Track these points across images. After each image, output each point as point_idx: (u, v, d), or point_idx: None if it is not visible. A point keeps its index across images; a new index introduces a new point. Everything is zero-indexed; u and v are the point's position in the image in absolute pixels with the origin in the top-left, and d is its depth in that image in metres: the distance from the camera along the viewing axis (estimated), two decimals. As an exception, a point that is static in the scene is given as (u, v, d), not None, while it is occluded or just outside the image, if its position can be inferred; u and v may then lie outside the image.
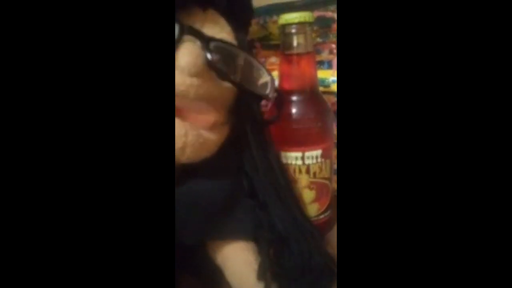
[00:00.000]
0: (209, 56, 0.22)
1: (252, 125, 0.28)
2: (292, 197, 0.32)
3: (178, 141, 0.23)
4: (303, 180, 0.38)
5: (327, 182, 0.39)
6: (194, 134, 0.23)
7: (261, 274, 0.26)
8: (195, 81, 0.22)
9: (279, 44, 0.53)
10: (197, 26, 0.23)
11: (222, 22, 0.25)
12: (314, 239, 0.30)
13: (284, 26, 0.36)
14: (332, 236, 0.41)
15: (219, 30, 0.24)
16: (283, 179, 0.31)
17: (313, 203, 0.39)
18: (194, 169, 0.26)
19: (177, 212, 0.25)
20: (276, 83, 0.55)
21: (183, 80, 0.22)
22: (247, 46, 0.28)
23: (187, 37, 0.21)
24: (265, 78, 0.26)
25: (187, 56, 0.21)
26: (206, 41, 0.22)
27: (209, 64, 0.22)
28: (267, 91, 0.26)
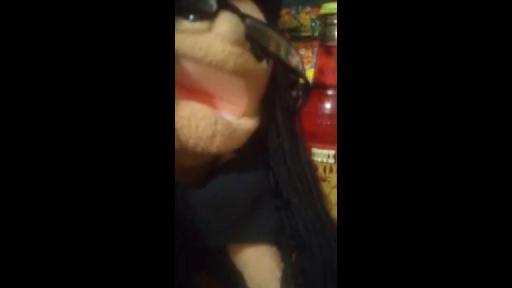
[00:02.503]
0: (248, 25, 0.21)
1: (283, 112, 0.27)
2: (318, 194, 0.30)
3: (208, 129, 0.22)
4: (333, 180, 0.36)
5: (357, 183, 0.37)
6: (224, 123, 0.22)
7: (284, 282, 0.25)
8: (235, 49, 0.21)
9: (310, 36, 0.52)
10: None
11: (255, 8, 0.24)
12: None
13: (326, 16, 0.34)
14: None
15: (251, 11, 0.24)
16: (310, 175, 0.29)
17: (341, 204, 0.38)
18: (221, 167, 0.25)
19: (201, 214, 0.24)
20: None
21: (223, 47, 0.21)
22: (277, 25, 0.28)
23: (223, 11, 0.21)
24: (295, 56, 0.26)
25: (227, 23, 0.20)
26: (242, 16, 0.21)
27: (248, 35, 0.21)
28: (299, 67, 0.26)
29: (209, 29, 0.21)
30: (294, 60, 0.26)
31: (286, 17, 0.52)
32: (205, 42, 0.21)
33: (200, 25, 0.21)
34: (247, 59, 0.22)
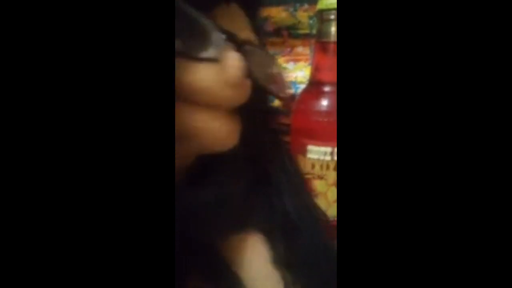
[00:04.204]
0: (247, 67, 0.20)
1: (261, 115, 0.27)
2: (303, 184, 0.31)
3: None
4: (330, 178, 0.36)
5: (354, 181, 0.37)
6: (212, 117, 0.22)
7: (276, 264, 0.26)
8: (230, 92, 0.20)
9: (307, 34, 0.51)
10: (227, 25, 0.21)
11: (241, 14, 0.23)
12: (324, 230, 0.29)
13: (322, 12, 0.34)
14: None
15: (239, 25, 0.23)
16: (292, 167, 0.30)
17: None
18: (214, 165, 0.24)
19: (198, 211, 0.23)
20: (302, 75, 0.53)
21: (224, 92, 0.20)
22: (263, 31, 0.27)
23: (227, 45, 0.20)
24: (278, 71, 0.25)
25: (235, 68, 0.19)
26: (241, 46, 0.20)
27: (248, 75, 0.20)
28: (281, 85, 0.25)
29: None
30: (273, 72, 0.25)
31: (284, 14, 0.52)
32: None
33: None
34: (240, 95, 0.21)
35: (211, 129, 0.22)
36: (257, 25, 0.25)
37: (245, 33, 0.23)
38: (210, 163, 0.24)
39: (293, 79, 0.52)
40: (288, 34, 0.52)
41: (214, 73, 0.20)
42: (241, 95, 0.21)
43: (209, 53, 0.20)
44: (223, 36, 0.20)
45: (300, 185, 0.29)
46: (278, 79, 0.25)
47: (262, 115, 0.27)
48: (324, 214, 0.31)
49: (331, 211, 0.38)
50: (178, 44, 0.18)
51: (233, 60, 0.20)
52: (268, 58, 0.24)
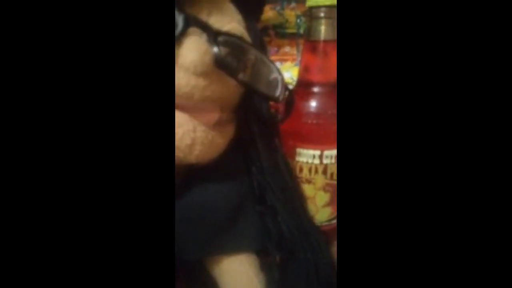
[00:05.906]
0: (217, 52, 0.19)
1: (258, 124, 0.26)
2: (301, 201, 0.29)
3: (187, 137, 0.20)
4: (318, 181, 0.35)
5: (343, 185, 0.36)
6: (202, 130, 0.21)
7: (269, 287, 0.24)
8: (201, 81, 0.19)
9: (295, 33, 0.50)
10: (204, 15, 0.20)
11: (232, 9, 0.23)
12: (321, 249, 0.28)
13: (312, 9, 0.32)
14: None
15: (228, 19, 0.22)
16: (291, 182, 0.29)
17: (326, 207, 0.36)
18: (199, 174, 0.23)
19: (179, 225, 0.22)
20: (289, 76, 0.52)
21: (187, 80, 0.19)
22: (259, 35, 0.26)
23: (192, 30, 0.19)
24: (275, 76, 0.24)
25: (193, 53, 0.18)
26: (213, 35, 0.19)
27: (217, 62, 0.19)
28: (278, 90, 0.23)
29: None
30: (272, 76, 0.24)
31: (271, 12, 0.51)
32: None
33: None
34: (216, 87, 0.20)
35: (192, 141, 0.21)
36: (252, 21, 0.24)
37: (233, 25, 0.21)
38: (195, 174, 0.23)
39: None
40: (275, 34, 0.51)
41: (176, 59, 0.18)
42: (213, 86, 0.20)
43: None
44: (182, 20, 0.18)
45: (297, 203, 0.27)
46: (268, 77, 0.24)
47: (258, 122, 0.26)
48: (321, 234, 0.29)
49: (320, 216, 0.36)
50: None
51: (193, 46, 0.18)
52: (258, 55, 0.23)
